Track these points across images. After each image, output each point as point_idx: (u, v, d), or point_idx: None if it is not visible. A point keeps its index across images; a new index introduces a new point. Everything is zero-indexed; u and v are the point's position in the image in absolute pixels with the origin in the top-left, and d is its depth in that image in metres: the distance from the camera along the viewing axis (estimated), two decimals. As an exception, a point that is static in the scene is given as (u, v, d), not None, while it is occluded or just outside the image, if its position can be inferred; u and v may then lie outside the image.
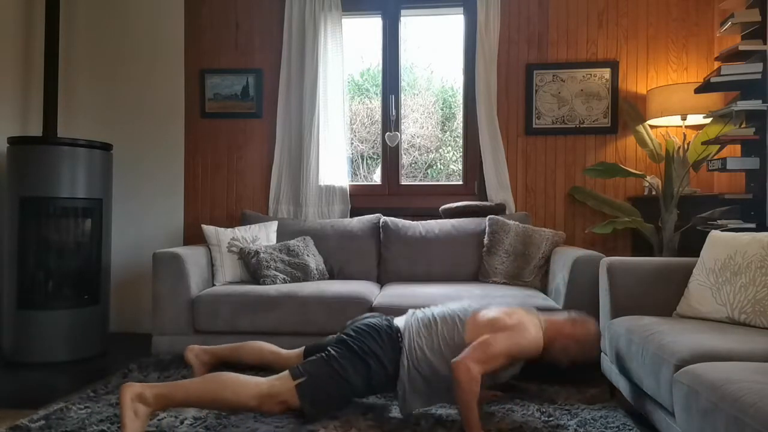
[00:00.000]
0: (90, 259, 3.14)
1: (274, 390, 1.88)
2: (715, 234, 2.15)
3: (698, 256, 2.17)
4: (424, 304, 2.55)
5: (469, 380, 1.85)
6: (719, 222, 2.64)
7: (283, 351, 2.29)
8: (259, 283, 2.88)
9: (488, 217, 3.17)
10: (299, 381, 1.89)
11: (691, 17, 3.41)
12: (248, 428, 1.96)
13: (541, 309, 2.52)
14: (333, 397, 1.95)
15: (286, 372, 1.93)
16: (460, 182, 3.59)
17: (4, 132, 3.23)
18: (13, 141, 3.00)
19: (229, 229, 3.10)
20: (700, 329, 1.81)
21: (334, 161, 3.51)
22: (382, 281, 3.17)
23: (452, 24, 3.75)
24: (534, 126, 3.48)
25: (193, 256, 2.83)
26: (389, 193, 3.59)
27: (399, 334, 2.03)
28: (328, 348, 2.01)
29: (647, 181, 3.18)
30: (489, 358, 1.89)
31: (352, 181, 3.64)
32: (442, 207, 3.36)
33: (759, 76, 2.58)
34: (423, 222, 3.23)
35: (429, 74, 4.08)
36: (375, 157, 3.94)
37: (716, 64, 3.19)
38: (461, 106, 3.64)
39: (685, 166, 2.99)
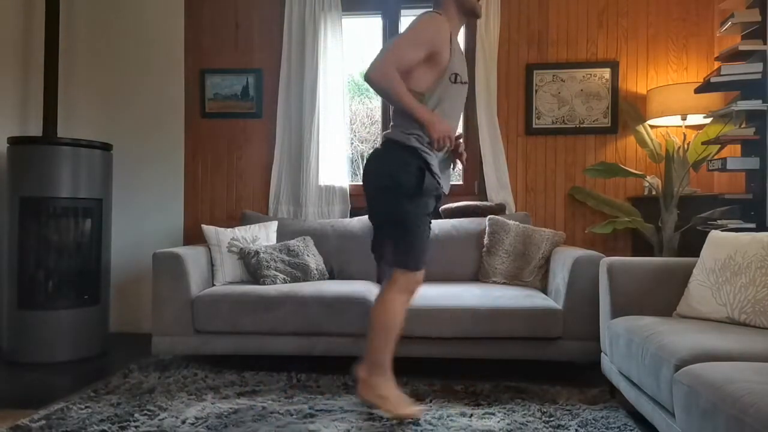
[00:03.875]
0: (90, 259, 3.14)
1: (400, 287, 2.06)
2: (715, 234, 2.15)
3: (698, 256, 2.17)
4: (424, 304, 2.56)
5: (381, 75, 1.92)
6: (719, 222, 2.64)
7: None
8: (259, 283, 2.88)
9: (488, 217, 3.17)
10: (395, 266, 2.06)
11: (691, 17, 3.41)
12: (249, 428, 1.96)
13: (541, 309, 2.54)
14: (410, 237, 2.04)
15: (392, 274, 2.07)
16: (460, 182, 3.59)
17: (4, 132, 3.23)
18: (13, 141, 3.00)
19: (229, 229, 3.10)
20: (700, 329, 1.82)
21: (334, 161, 3.51)
22: (382, 281, 3.17)
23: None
24: (534, 126, 3.48)
25: (193, 256, 2.83)
26: (389, 193, 3.59)
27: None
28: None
29: (647, 181, 3.18)
30: (391, 50, 1.95)
31: (352, 181, 3.64)
32: (442, 207, 3.35)
33: (759, 76, 2.58)
34: (423, 222, 3.23)
35: (429, 74, 4.07)
36: (375, 157, 3.93)
37: (716, 64, 3.19)
38: (461, 106, 3.64)
39: (685, 166, 2.99)
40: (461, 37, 3.58)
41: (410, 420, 2.02)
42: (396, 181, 2.02)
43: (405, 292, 2.08)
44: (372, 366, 2.06)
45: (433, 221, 3.24)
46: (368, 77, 1.96)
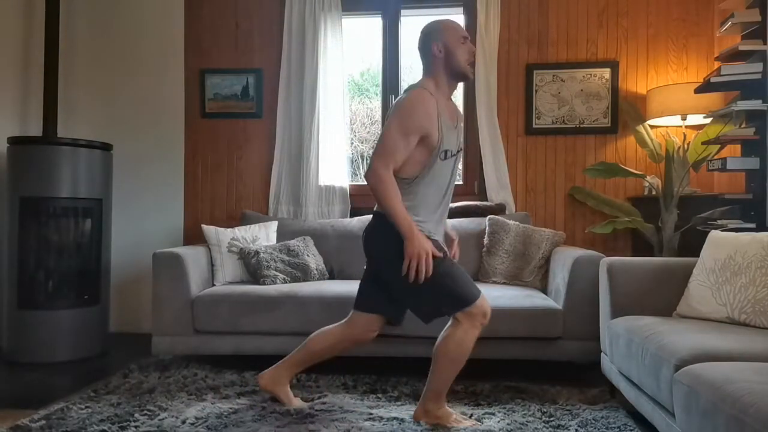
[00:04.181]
0: (90, 259, 3.14)
1: (467, 326, 1.99)
2: (715, 234, 2.15)
3: (698, 256, 2.17)
4: (425, 304, 2.56)
5: (377, 180, 1.91)
6: (719, 222, 2.64)
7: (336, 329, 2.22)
8: (259, 283, 2.88)
9: (488, 217, 3.17)
10: (454, 314, 1.99)
11: (691, 17, 3.41)
12: (249, 428, 1.96)
13: (541, 309, 2.53)
14: (446, 287, 1.98)
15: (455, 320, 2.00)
16: (460, 182, 3.59)
17: (4, 132, 3.23)
18: (13, 141, 3.00)
19: (229, 229, 3.10)
20: (700, 329, 1.82)
21: (334, 161, 3.51)
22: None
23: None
24: (534, 126, 3.48)
25: (193, 256, 2.83)
26: (389, 193, 3.59)
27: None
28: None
29: (647, 181, 3.18)
30: (385, 148, 1.93)
31: (352, 181, 3.64)
32: (442, 207, 3.35)
33: (759, 76, 2.58)
34: (423, 222, 3.23)
35: (429, 74, 4.07)
36: (375, 157, 3.93)
37: (716, 64, 3.19)
38: (461, 106, 3.64)
39: (685, 166, 2.99)
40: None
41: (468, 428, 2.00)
42: (398, 253, 1.94)
43: (473, 327, 1.99)
44: (432, 393, 2.01)
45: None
46: (366, 178, 1.95)
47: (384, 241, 2.00)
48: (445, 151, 2.01)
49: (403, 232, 1.91)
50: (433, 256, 1.93)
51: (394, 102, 2.08)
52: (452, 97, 2.15)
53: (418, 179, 2.00)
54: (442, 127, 1.98)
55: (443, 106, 2.03)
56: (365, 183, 2.12)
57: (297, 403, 2.22)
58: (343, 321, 2.19)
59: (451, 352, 1.98)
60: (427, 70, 2.08)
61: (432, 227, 2.04)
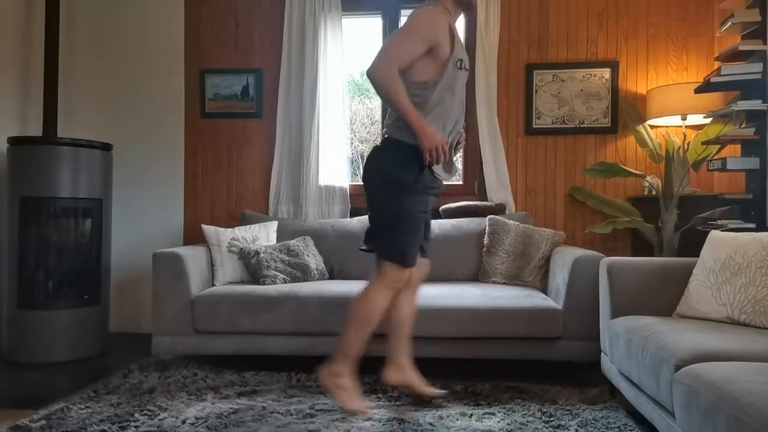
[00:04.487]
0: (90, 259, 3.14)
1: (387, 281, 2.07)
2: (715, 234, 2.15)
3: (698, 256, 2.17)
4: (424, 304, 2.56)
5: (382, 75, 1.95)
6: (719, 222, 2.64)
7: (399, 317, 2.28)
8: (259, 283, 2.88)
9: (488, 217, 3.17)
10: (384, 260, 2.08)
11: (691, 17, 3.41)
12: (249, 428, 1.96)
13: (541, 309, 2.54)
14: (403, 232, 2.06)
15: (377, 273, 2.10)
16: (460, 182, 3.59)
17: (4, 132, 3.23)
18: (13, 141, 3.00)
19: (229, 229, 3.10)
20: (700, 329, 1.81)
21: (334, 161, 3.51)
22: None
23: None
24: (534, 126, 3.48)
25: (193, 256, 2.83)
26: (389, 193, 3.59)
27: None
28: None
29: (647, 181, 3.18)
30: (390, 48, 1.98)
31: (352, 181, 3.64)
32: (442, 207, 3.36)
33: (759, 76, 2.58)
34: (423, 222, 3.23)
35: (429, 74, 4.07)
36: (375, 157, 3.93)
37: (716, 64, 3.19)
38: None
39: (685, 166, 2.99)
40: (461, 37, 3.58)
41: (357, 416, 2.05)
42: (395, 178, 2.05)
43: (390, 287, 2.09)
44: (340, 353, 2.09)
45: (433, 221, 3.26)
46: (370, 75, 1.99)
47: (385, 162, 2.09)
48: (460, 60, 2.09)
49: (414, 127, 1.97)
50: (418, 211, 2.06)
51: None
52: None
53: (432, 86, 2.06)
54: (455, 37, 2.08)
55: (453, 23, 2.12)
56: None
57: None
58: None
59: (360, 308, 2.07)
60: None
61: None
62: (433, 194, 2.14)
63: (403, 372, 2.24)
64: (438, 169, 2.10)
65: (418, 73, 2.05)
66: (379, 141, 2.23)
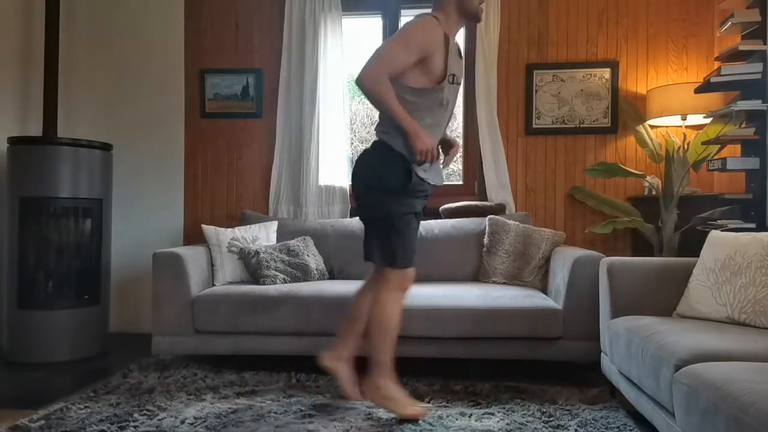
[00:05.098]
0: (90, 259, 3.14)
1: (392, 285, 2.08)
2: (715, 234, 2.14)
3: (698, 256, 2.17)
4: (424, 304, 2.56)
5: (374, 81, 1.96)
6: (719, 222, 2.64)
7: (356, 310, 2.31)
8: (259, 283, 2.88)
9: (488, 217, 3.17)
10: (385, 265, 2.09)
11: (691, 17, 3.41)
12: (248, 428, 1.96)
13: (541, 309, 2.53)
14: (395, 234, 2.07)
15: (382, 271, 2.12)
16: (460, 182, 3.59)
17: (4, 132, 3.23)
18: (13, 141, 3.00)
19: (229, 229, 3.10)
20: (700, 329, 1.81)
21: (334, 161, 3.51)
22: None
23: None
24: (534, 126, 3.48)
25: (193, 256, 2.83)
26: (389, 193, 3.59)
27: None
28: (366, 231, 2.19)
29: (647, 181, 3.18)
30: (383, 55, 1.99)
31: (352, 181, 3.64)
32: (442, 207, 3.36)
33: (759, 76, 2.57)
34: (423, 222, 3.23)
35: (429, 74, 4.07)
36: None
37: (716, 64, 3.19)
38: (461, 106, 3.64)
39: (685, 166, 2.99)
40: (461, 37, 3.58)
41: (416, 420, 2.03)
42: (383, 181, 2.06)
43: (398, 290, 2.10)
44: (376, 366, 2.07)
45: (433, 221, 3.26)
46: (360, 82, 1.99)
47: (374, 165, 2.09)
48: (453, 76, 2.10)
49: (407, 129, 1.99)
50: (407, 212, 2.07)
51: None
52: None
53: (423, 94, 2.06)
54: (450, 51, 2.07)
55: (451, 37, 2.11)
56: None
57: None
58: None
59: (378, 317, 2.07)
60: (438, 4, 2.14)
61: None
62: (421, 197, 2.15)
63: (340, 363, 2.26)
64: (425, 173, 2.10)
65: (409, 80, 2.05)
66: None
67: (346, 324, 2.29)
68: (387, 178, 2.05)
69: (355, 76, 2.01)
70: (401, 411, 2.02)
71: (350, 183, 2.19)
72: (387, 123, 2.10)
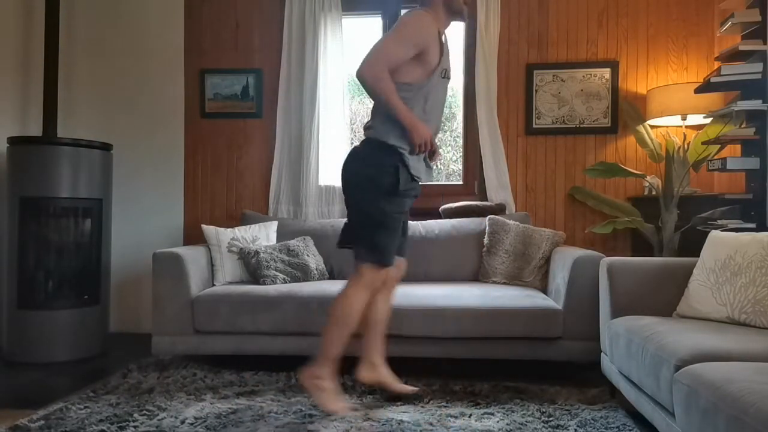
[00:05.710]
0: (90, 259, 3.14)
1: (364, 282, 2.09)
2: (715, 234, 2.14)
3: (698, 256, 2.17)
4: (424, 304, 2.56)
5: (374, 76, 1.98)
6: (719, 222, 2.64)
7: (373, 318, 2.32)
8: (259, 283, 2.88)
9: (488, 217, 3.17)
10: (362, 261, 2.09)
11: (691, 17, 3.41)
12: (248, 428, 1.96)
13: (541, 309, 2.53)
14: (379, 233, 2.08)
15: (355, 273, 2.12)
16: (460, 182, 3.59)
17: (4, 132, 3.23)
18: (13, 141, 3.00)
19: (229, 229, 3.09)
20: (700, 329, 1.81)
21: (334, 161, 3.50)
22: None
23: (452, 24, 3.73)
24: (534, 126, 3.48)
25: (193, 256, 2.83)
26: (389, 193, 3.59)
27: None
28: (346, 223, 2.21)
29: (647, 181, 3.18)
30: (381, 50, 2.01)
31: (352, 181, 3.64)
32: (442, 207, 3.35)
33: (759, 76, 2.57)
34: (423, 222, 3.23)
35: (429, 74, 4.07)
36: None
37: (716, 64, 3.19)
38: (461, 106, 3.64)
39: (685, 166, 2.99)
40: (461, 37, 3.58)
41: (335, 416, 2.06)
42: (373, 180, 2.06)
43: (368, 288, 2.11)
44: (320, 355, 2.10)
45: (433, 221, 3.26)
46: (360, 75, 2.01)
47: (364, 163, 2.10)
48: (445, 70, 2.14)
49: (405, 122, 2.01)
50: (396, 212, 2.08)
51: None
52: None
53: (416, 88, 2.08)
54: (444, 47, 2.11)
55: (442, 30, 2.15)
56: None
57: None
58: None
59: (338, 309, 2.09)
60: (424, 2, 2.17)
61: (412, 159, 2.12)
62: (411, 196, 2.16)
63: (377, 370, 2.28)
64: (416, 170, 2.11)
65: (404, 74, 2.07)
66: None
67: (365, 334, 2.28)
68: (378, 177, 2.06)
69: (355, 69, 2.03)
70: (326, 404, 2.08)
71: (341, 180, 2.18)
72: (376, 118, 2.12)
